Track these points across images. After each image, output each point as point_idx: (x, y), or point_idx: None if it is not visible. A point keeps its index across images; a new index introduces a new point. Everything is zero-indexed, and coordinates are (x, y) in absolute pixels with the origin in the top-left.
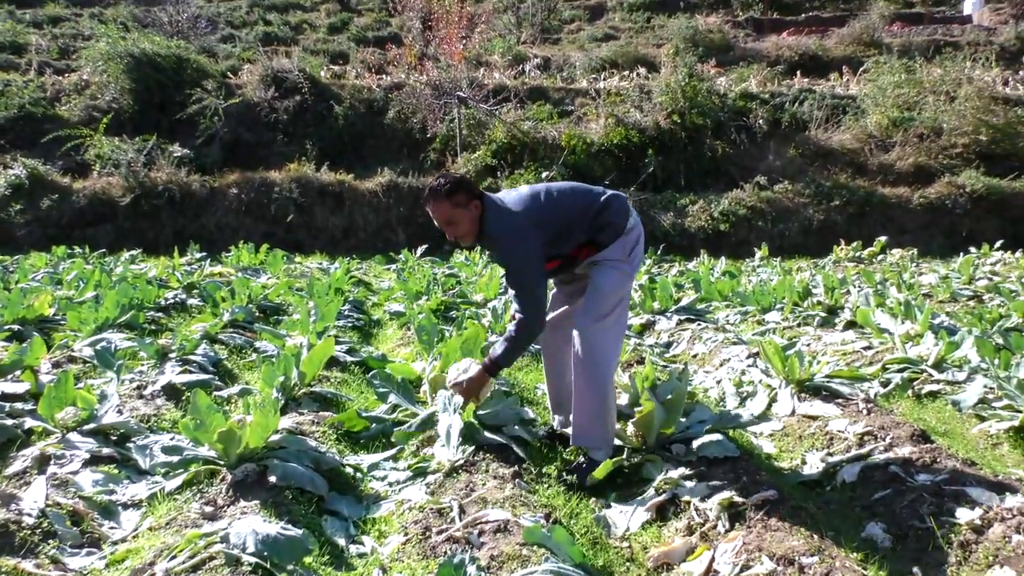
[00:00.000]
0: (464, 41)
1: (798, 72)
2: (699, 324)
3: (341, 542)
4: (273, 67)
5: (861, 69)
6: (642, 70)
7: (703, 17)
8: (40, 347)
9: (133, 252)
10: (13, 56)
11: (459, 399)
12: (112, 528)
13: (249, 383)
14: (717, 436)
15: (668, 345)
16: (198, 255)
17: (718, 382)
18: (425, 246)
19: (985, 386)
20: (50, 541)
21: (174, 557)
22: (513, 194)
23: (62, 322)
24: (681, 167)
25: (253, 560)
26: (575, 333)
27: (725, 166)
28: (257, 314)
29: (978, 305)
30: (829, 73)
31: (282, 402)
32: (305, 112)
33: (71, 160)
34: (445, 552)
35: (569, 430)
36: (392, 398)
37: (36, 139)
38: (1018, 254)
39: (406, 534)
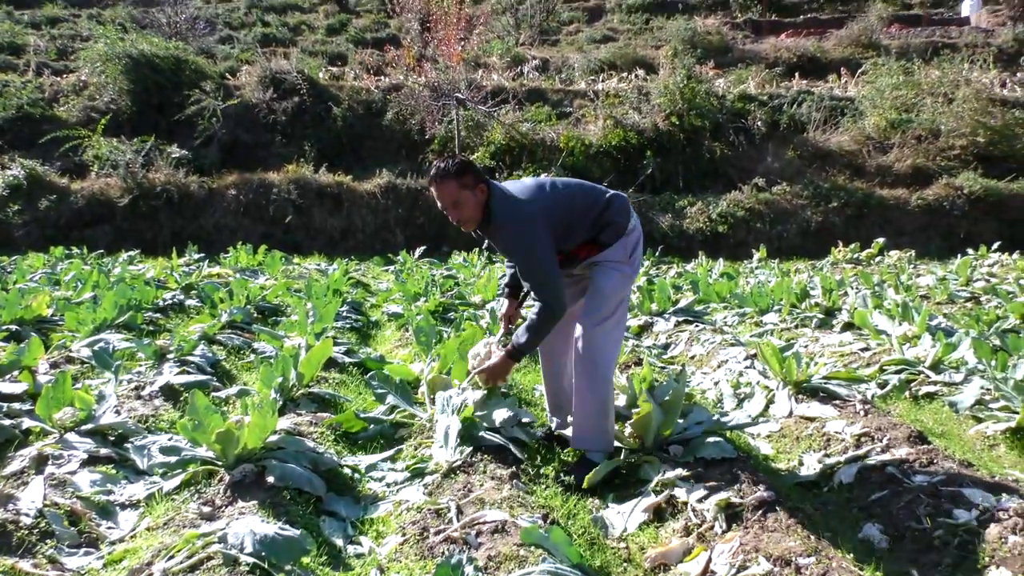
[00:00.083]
0: (463, 43)
1: (796, 74)
2: (697, 325)
3: (339, 542)
4: (271, 68)
5: (859, 71)
6: (640, 72)
7: (701, 19)
8: (38, 347)
9: (131, 253)
10: (11, 57)
11: (457, 400)
12: (110, 528)
13: (247, 384)
14: (714, 437)
15: (666, 346)
16: (196, 256)
17: (716, 383)
18: (423, 247)
19: (982, 387)
20: (48, 541)
21: (172, 557)
22: (518, 184)
23: (60, 323)
24: (679, 169)
25: (251, 560)
26: (576, 335)
27: (723, 168)
28: (255, 315)
29: (975, 307)
30: (827, 75)
31: (280, 403)
32: (303, 113)
33: (69, 161)
34: (443, 552)
35: (567, 431)
36: (390, 399)
37: (34, 140)
38: (1015, 256)
39: (404, 534)
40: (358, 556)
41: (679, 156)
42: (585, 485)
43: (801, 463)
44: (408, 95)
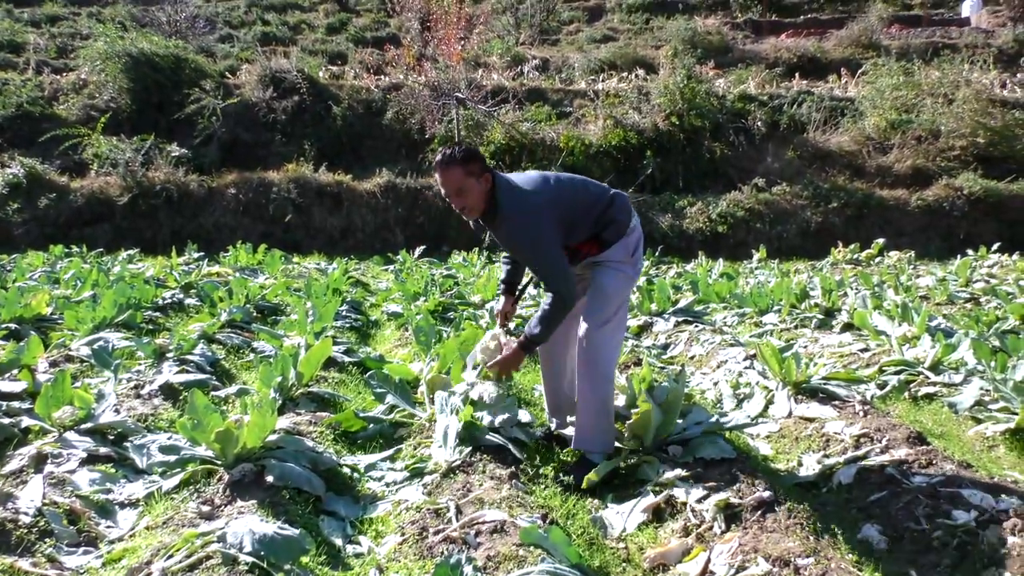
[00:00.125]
0: (463, 42)
1: (796, 74)
2: (697, 326)
3: (338, 542)
4: (271, 67)
5: (859, 71)
6: (640, 71)
7: (702, 19)
8: (37, 346)
9: (131, 252)
10: (11, 55)
11: (457, 400)
12: (109, 527)
13: (247, 383)
14: (714, 438)
15: (666, 347)
16: (196, 255)
17: (715, 384)
18: (423, 247)
19: (981, 388)
20: (47, 540)
21: (171, 556)
22: (522, 176)
23: (59, 321)
24: (679, 169)
25: (250, 560)
26: (578, 336)
27: (723, 168)
28: (255, 314)
29: (975, 307)
30: (827, 75)
31: (280, 402)
32: (303, 112)
33: (69, 159)
34: (442, 552)
35: (566, 431)
36: (389, 399)
37: (34, 138)
38: (1015, 256)
39: (403, 534)
40: (357, 556)
41: (679, 156)
42: (584, 485)
43: (800, 464)
44: (408, 94)
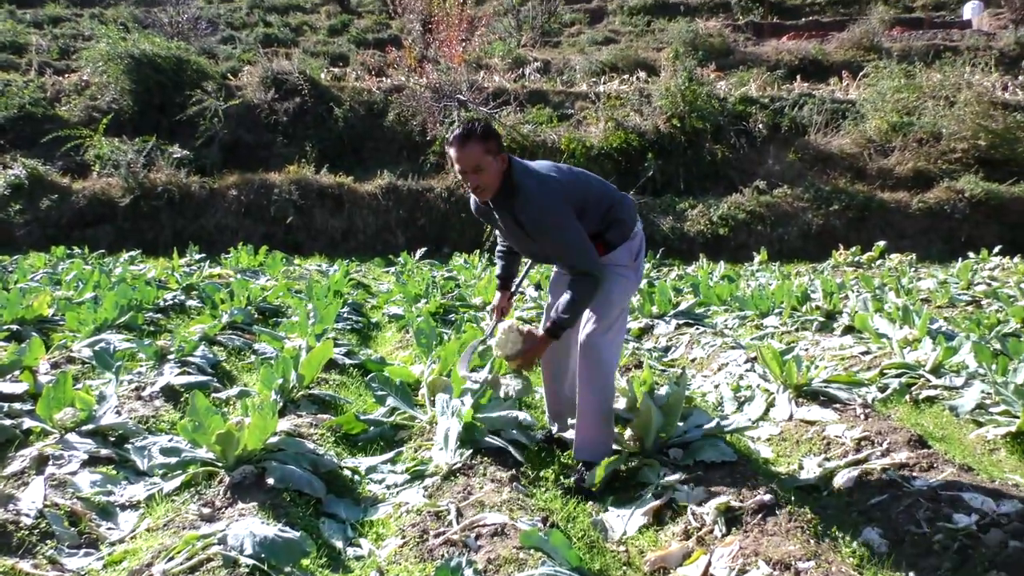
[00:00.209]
0: (464, 44)
1: (798, 76)
2: (697, 328)
3: (339, 544)
4: (273, 69)
5: (861, 74)
6: (642, 74)
7: (703, 21)
8: (39, 347)
9: (132, 253)
10: (13, 56)
11: (457, 403)
12: (110, 529)
13: (248, 385)
14: (715, 440)
15: (666, 349)
16: (197, 256)
17: (716, 387)
18: (424, 249)
19: (983, 391)
20: (48, 541)
21: (172, 558)
22: (533, 163)
23: (61, 323)
24: (680, 171)
25: (251, 562)
26: (580, 340)
27: (724, 170)
28: (256, 316)
29: (976, 310)
30: (829, 78)
31: (280, 404)
32: (305, 114)
33: (71, 160)
34: (442, 555)
35: (567, 434)
36: (390, 401)
37: (36, 139)
38: (1016, 259)
39: (403, 537)
40: (358, 558)
41: (680, 158)
42: (585, 488)
43: (801, 467)
44: (409, 96)
